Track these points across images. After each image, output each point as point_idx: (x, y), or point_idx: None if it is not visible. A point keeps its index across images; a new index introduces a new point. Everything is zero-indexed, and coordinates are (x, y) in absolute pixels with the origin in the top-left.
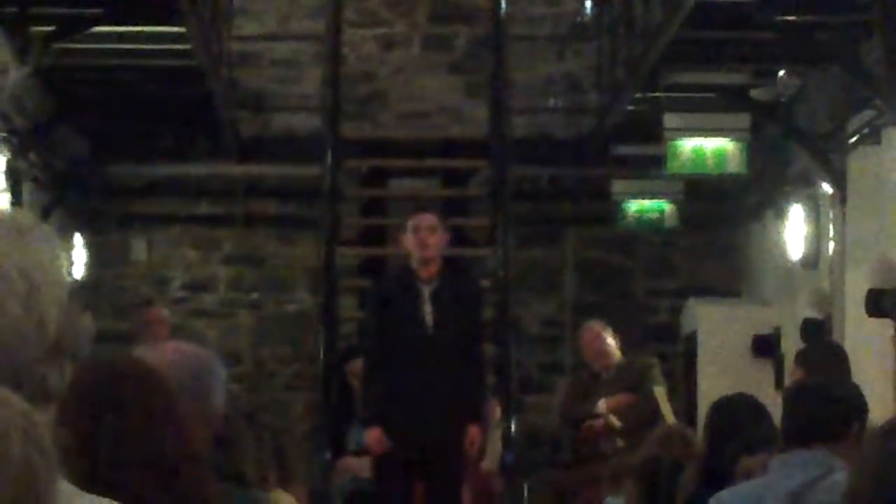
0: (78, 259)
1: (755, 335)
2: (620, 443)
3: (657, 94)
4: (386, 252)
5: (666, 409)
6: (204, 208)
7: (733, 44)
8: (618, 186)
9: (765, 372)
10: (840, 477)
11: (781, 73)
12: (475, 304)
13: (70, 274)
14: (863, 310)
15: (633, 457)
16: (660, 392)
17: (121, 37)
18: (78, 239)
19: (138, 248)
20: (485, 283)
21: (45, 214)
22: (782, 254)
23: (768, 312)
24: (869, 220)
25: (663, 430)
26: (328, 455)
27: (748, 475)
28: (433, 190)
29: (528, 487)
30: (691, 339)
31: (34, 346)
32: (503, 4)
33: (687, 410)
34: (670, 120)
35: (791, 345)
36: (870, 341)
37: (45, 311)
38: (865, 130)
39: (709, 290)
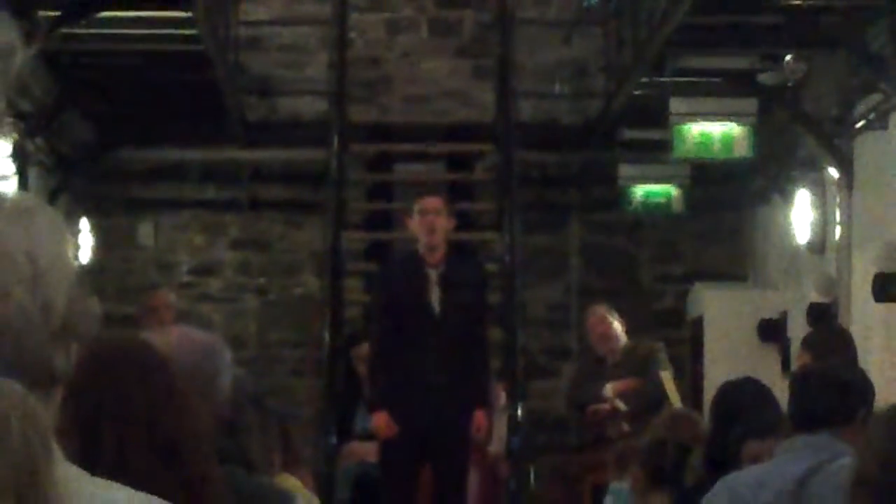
0: (84, 243)
1: (761, 320)
2: (626, 427)
3: (664, 78)
4: (392, 236)
5: (672, 393)
6: (210, 193)
7: (740, 28)
8: (624, 171)
9: (771, 356)
10: (846, 461)
11: (788, 57)
12: (481, 289)
13: (76, 258)
14: (869, 294)
15: (638, 441)
16: (666, 376)
17: (127, 21)
18: (84, 223)
19: (144, 233)
20: (491, 267)
21: (52, 199)
22: (789, 238)
23: (774, 297)
24: (875, 204)
25: (669, 414)
26: (334, 439)
27: (755, 460)
28: (439, 174)
29: (535, 472)
30: (697, 324)
31: (41, 330)
32: None
33: (693, 395)
34: (677, 104)
35: (797, 329)
36: (876, 325)
37: (51, 294)
38: (872, 115)
39: (715, 275)
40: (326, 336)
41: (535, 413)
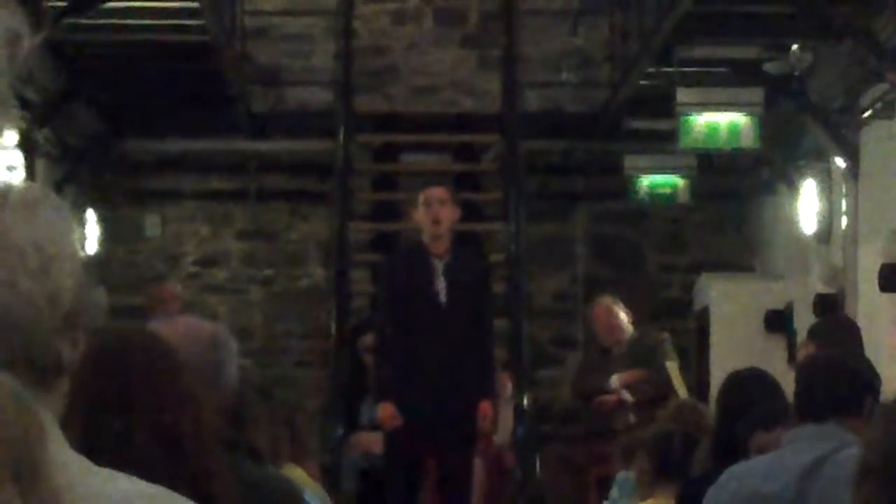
0: (91, 234)
1: (768, 310)
2: (632, 418)
3: (670, 68)
4: (398, 227)
5: (678, 383)
6: (216, 183)
7: (746, 18)
8: (630, 161)
9: (777, 347)
10: (853, 451)
11: (794, 47)
12: (486, 279)
13: (83, 248)
14: (875, 284)
15: (645, 431)
16: (672, 367)
17: (134, 11)
18: (91, 214)
19: (151, 224)
20: (497, 257)
21: (58, 190)
22: (795, 228)
23: (781, 287)
24: (882, 194)
25: (675, 404)
26: (340, 430)
27: (762, 451)
28: (445, 164)
29: (540, 461)
30: (704, 314)
31: (48, 320)
32: None
33: (699, 385)
34: (683, 94)
35: (803, 320)
36: (882, 316)
37: (58, 283)
38: (878, 105)
39: (721, 265)
40: (332, 327)
41: (540, 403)
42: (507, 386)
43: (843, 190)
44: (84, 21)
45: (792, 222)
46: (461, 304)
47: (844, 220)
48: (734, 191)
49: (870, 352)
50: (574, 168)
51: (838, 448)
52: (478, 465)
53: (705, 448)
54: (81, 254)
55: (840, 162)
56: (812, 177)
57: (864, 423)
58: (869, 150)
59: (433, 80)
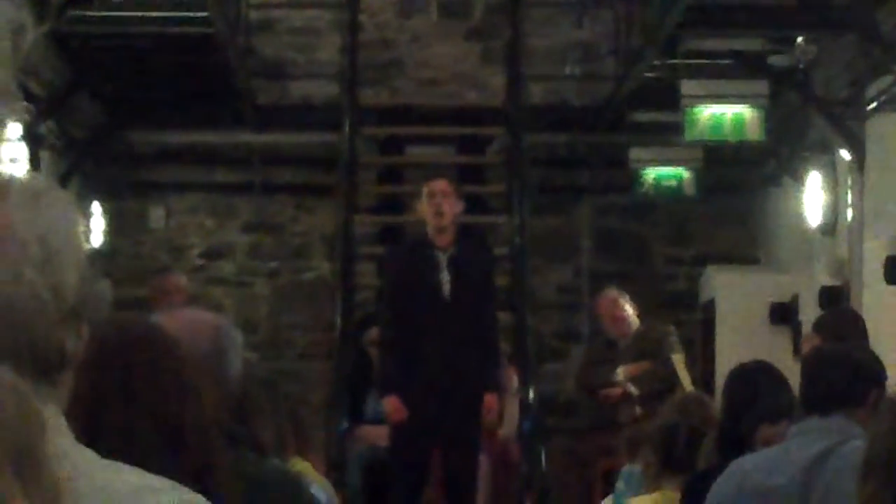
0: (95, 227)
1: (773, 302)
2: (638, 410)
3: (675, 60)
4: (403, 220)
5: (683, 376)
6: (221, 176)
7: (751, 10)
8: (635, 154)
9: (783, 339)
10: (859, 444)
11: (799, 39)
12: (490, 271)
13: (87, 240)
14: (881, 277)
15: (650, 424)
16: (677, 359)
17: (138, 3)
18: (95, 207)
19: (156, 216)
20: (501, 250)
21: (63, 182)
22: (800, 221)
23: (786, 280)
24: (887, 186)
25: (681, 397)
26: (345, 423)
27: (768, 444)
28: (450, 157)
29: (546, 455)
30: (709, 307)
31: (52, 312)
32: None
33: (704, 378)
34: (688, 87)
35: (809, 312)
36: (888, 308)
37: (62, 277)
38: (883, 97)
39: (727, 258)
40: (338, 320)
41: (545, 396)
42: (511, 379)
43: (849, 182)
44: (88, 13)
45: (797, 215)
46: (465, 297)
47: (850, 213)
48: (740, 183)
49: (875, 344)
50: (578, 161)
51: (844, 440)
52: (483, 458)
53: (711, 441)
54: (86, 246)
55: (845, 154)
56: (817, 169)
57: (870, 416)
58: (874, 143)
59: (438, 72)
